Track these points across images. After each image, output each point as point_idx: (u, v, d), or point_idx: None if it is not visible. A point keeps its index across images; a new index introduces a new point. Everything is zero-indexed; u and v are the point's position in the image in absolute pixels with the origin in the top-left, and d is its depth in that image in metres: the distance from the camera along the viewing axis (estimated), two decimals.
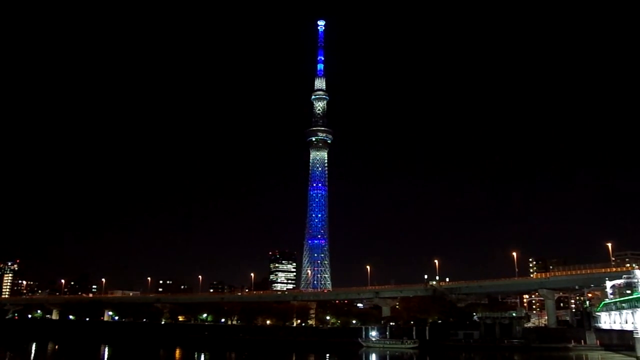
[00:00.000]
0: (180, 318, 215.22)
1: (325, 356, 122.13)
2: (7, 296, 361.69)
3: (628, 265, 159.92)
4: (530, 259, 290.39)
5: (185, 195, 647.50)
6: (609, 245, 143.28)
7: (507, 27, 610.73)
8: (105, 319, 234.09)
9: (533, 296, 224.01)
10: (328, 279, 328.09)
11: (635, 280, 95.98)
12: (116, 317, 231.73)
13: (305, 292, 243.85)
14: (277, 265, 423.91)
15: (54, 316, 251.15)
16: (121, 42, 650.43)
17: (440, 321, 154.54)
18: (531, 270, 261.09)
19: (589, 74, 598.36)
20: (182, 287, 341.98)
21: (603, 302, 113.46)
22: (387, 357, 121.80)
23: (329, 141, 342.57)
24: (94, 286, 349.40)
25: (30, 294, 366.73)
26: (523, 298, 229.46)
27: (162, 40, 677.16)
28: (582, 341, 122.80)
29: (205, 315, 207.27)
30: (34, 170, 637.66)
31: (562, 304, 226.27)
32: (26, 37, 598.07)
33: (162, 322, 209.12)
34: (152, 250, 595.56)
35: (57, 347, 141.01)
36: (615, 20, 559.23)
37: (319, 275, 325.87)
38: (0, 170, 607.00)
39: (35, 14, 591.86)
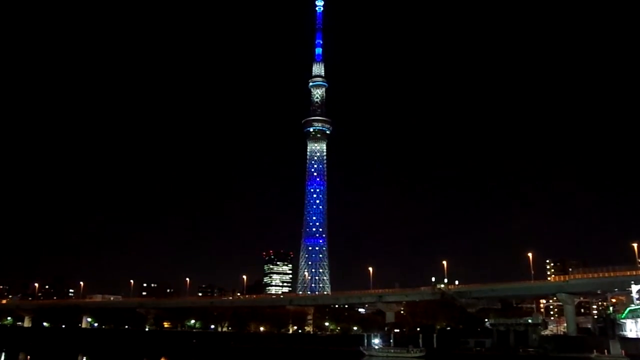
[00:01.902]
0: (166, 324, 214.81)
1: None
2: None
3: None
4: (548, 261, 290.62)
5: (170, 191, 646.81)
6: (635, 245, 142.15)
7: (509, 15, 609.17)
8: (84, 325, 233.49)
9: (551, 301, 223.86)
10: (327, 282, 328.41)
11: None
12: (95, 324, 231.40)
13: (302, 296, 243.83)
14: (271, 266, 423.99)
15: (26, 323, 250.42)
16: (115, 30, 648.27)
17: (449, 328, 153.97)
18: (548, 273, 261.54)
19: (596, 73, 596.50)
20: (168, 290, 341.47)
21: (628, 308, 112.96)
22: None
23: (328, 132, 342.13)
24: (70, 290, 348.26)
25: None
26: (540, 303, 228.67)
27: (151, 30, 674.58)
28: (606, 351, 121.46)
29: (193, 321, 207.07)
30: (5, 166, 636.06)
31: (582, 310, 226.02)
32: (26, 37, 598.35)
33: (146, 329, 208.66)
34: (135, 250, 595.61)
35: (29, 357, 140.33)
36: (613, 22, 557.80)
37: (317, 278, 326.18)
38: None
39: (35, 14, 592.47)
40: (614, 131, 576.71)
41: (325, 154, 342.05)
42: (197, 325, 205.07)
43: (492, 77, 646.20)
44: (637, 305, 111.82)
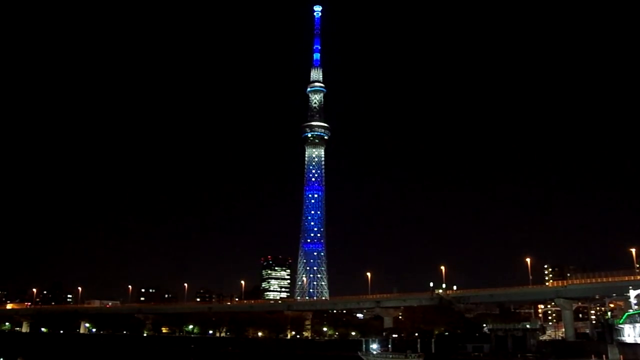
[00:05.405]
0: (164, 330, 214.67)
1: None
2: None
3: None
4: (546, 266, 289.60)
5: (168, 196, 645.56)
6: (633, 250, 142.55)
7: (511, 18, 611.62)
8: (82, 331, 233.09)
9: (549, 306, 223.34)
10: (325, 287, 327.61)
11: None
12: (94, 330, 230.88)
13: (300, 302, 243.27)
14: (269, 272, 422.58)
15: (24, 329, 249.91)
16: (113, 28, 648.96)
17: (447, 333, 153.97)
18: (547, 278, 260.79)
19: (595, 76, 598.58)
20: (166, 296, 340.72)
21: (626, 314, 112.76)
22: None
23: (326, 137, 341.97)
24: (69, 295, 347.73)
25: None
26: (538, 308, 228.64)
27: (150, 34, 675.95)
28: (604, 356, 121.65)
29: (191, 326, 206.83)
30: (3, 171, 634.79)
31: (580, 315, 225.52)
32: (26, 37, 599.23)
33: (144, 335, 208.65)
34: (133, 256, 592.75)
35: None
36: (613, 23, 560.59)
37: (315, 283, 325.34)
38: None
39: (35, 14, 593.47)
40: (613, 136, 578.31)
41: (323, 159, 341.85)
42: (195, 331, 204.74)
43: (491, 79, 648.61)
44: (635, 310, 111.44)
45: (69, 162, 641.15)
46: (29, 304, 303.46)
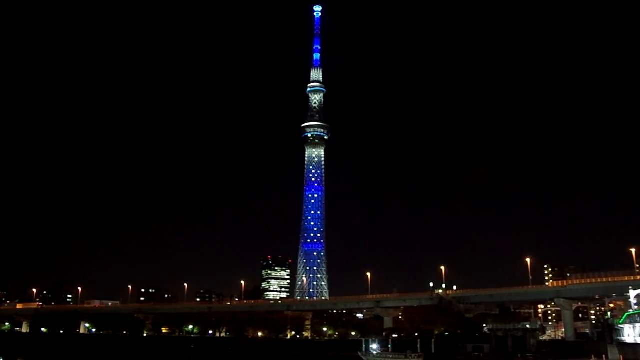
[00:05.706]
0: (164, 330, 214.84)
1: None
2: None
3: None
4: (546, 266, 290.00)
5: (168, 196, 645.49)
6: (633, 250, 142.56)
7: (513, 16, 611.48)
8: (82, 331, 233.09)
9: (549, 306, 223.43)
10: (325, 287, 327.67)
11: None
12: (93, 330, 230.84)
13: (301, 302, 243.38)
14: (269, 272, 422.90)
15: (24, 329, 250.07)
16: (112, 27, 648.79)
17: (447, 333, 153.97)
18: (546, 278, 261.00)
19: (595, 74, 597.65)
20: (166, 296, 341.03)
21: (626, 314, 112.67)
22: None
23: (326, 137, 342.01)
24: (68, 296, 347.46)
25: None
26: (538, 308, 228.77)
27: (150, 35, 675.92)
28: (604, 356, 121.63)
29: (191, 326, 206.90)
30: (3, 171, 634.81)
31: (580, 315, 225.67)
32: (26, 37, 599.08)
33: (144, 335, 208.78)
34: (133, 256, 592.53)
35: None
36: (613, 23, 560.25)
37: (315, 283, 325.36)
38: None
39: (35, 14, 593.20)
40: (613, 136, 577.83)
41: (323, 159, 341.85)
42: (195, 331, 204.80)
43: (491, 79, 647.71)
44: (635, 310, 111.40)
45: (69, 163, 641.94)
46: (39, 304, 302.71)
